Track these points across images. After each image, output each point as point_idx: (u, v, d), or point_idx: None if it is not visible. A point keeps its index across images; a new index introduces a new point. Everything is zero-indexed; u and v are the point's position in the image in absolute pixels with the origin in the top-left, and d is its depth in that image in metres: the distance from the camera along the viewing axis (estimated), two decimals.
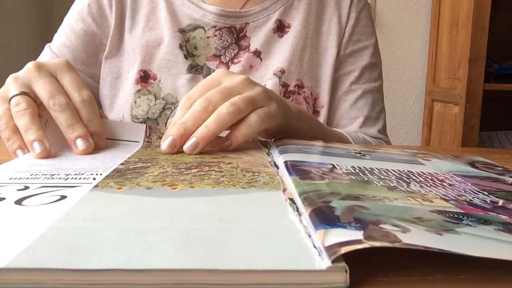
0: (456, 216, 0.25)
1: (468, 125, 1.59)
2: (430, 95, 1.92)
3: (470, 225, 0.24)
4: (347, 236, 0.21)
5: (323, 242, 0.21)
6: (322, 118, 0.71)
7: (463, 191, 0.32)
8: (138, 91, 0.68)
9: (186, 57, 0.68)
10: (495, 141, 1.80)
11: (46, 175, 0.33)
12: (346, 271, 0.19)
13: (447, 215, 0.25)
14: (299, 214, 0.25)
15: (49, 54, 0.70)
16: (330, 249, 0.20)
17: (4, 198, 0.28)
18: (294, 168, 0.34)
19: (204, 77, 0.68)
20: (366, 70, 0.74)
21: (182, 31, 0.69)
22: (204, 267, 0.19)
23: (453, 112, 1.68)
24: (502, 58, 1.66)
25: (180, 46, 0.68)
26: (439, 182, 0.34)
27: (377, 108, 0.75)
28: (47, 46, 0.72)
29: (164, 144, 0.40)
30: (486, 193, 0.32)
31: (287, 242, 0.22)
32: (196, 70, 0.68)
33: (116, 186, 0.30)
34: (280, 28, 0.71)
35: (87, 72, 0.70)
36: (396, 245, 0.20)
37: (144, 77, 0.68)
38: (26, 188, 0.30)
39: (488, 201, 0.30)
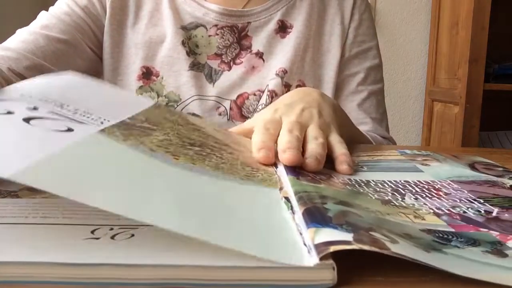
0: (445, 237, 0.25)
1: (468, 125, 1.59)
2: (430, 95, 1.91)
3: (458, 247, 0.24)
4: (337, 236, 0.21)
5: (313, 240, 0.21)
6: None
7: (458, 201, 0.32)
8: (140, 87, 0.68)
9: (188, 54, 0.68)
10: (495, 141, 1.80)
11: (56, 101, 0.32)
12: (333, 269, 0.19)
13: (437, 235, 0.25)
14: (293, 213, 0.26)
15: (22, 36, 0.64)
16: (319, 247, 0.20)
17: (13, 112, 0.27)
18: (292, 168, 0.34)
19: (206, 75, 0.68)
20: (371, 72, 0.74)
21: (184, 28, 0.69)
22: (197, 235, 0.19)
23: (453, 112, 1.68)
24: (502, 58, 1.66)
25: (183, 43, 0.68)
26: (435, 192, 0.34)
27: (380, 109, 0.76)
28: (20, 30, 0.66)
29: (289, 151, 0.36)
30: (482, 201, 0.32)
31: (278, 237, 0.22)
32: (198, 68, 0.68)
33: (121, 137, 0.29)
34: (282, 28, 0.71)
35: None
36: (385, 251, 0.20)
37: (147, 74, 0.68)
38: (36, 108, 0.29)
39: (483, 212, 0.30)
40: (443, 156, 0.47)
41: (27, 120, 0.27)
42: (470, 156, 0.48)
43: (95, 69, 0.71)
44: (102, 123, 0.31)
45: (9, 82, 0.55)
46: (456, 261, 0.22)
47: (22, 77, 0.59)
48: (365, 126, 0.73)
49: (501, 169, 0.42)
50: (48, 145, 0.23)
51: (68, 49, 0.65)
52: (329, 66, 0.72)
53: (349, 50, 0.73)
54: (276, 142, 0.40)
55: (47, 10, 0.68)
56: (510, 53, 1.69)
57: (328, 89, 0.71)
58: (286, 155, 0.36)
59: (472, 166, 0.43)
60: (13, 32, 0.64)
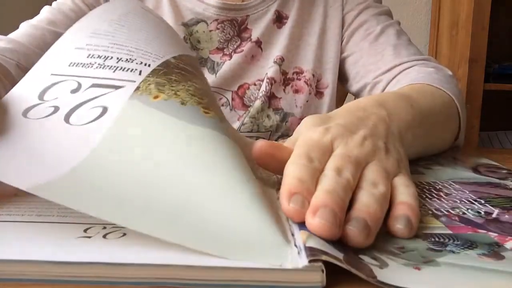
0: (441, 241, 0.25)
1: (468, 125, 1.58)
2: None
3: (453, 252, 0.24)
4: (328, 249, 0.21)
5: (305, 242, 0.21)
6: (327, 98, 0.72)
7: (458, 201, 0.32)
8: None
9: (190, 49, 0.70)
10: (495, 141, 1.80)
11: (101, 57, 0.32)
12: (322, 271, 0.20)
13: (433, 239, 0.25)
14: None
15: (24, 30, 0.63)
16: (310, 250, 0.20)
17: (57, 109, 0.29)
18: None
19: (208, 69, 0.70)
20: (380, 16, 0.72)
21: (185, 25, 0.70)
22: (190, 244, 0.19)
23: None
24: (502, 58, 1.66)
25: (184, 39, 0.69)
26: (436, 193, 0.34)
27: (404, 37, 0.70)
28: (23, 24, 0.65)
29: (320, 219, 0.23)
30: (483, 201, 0.32)
31: (270, 238, 0.22)
32: (200, 63, 0.70)
33: (154, 93, 0.29)
34: (279, 19, 0.72)
35: None
36: (371, 280, 0.20)
37: None
38: (79, 87, 0.30)
39: (483, 213, 0.30)
40: (446, 160, 0.47)
41: (67, 118, 0.28)
42: (475, 158, 0.48)
43: None
44: (140, 73, 0.31)
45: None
46: (448, 275, 0.21)
47: None
48: (385, 58, 0.66)
49: (505, 171, 0.42)
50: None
51: None
52: (328, 46, 0.72)
53: (348, 18, 0.72)
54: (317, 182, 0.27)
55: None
56: (510, 53, 1.69)
57: (329, 68, 0.72)
58: (316, 221, 0.23)
59: (475, 169, 0.43)
60: (13, 31, 0.63)
